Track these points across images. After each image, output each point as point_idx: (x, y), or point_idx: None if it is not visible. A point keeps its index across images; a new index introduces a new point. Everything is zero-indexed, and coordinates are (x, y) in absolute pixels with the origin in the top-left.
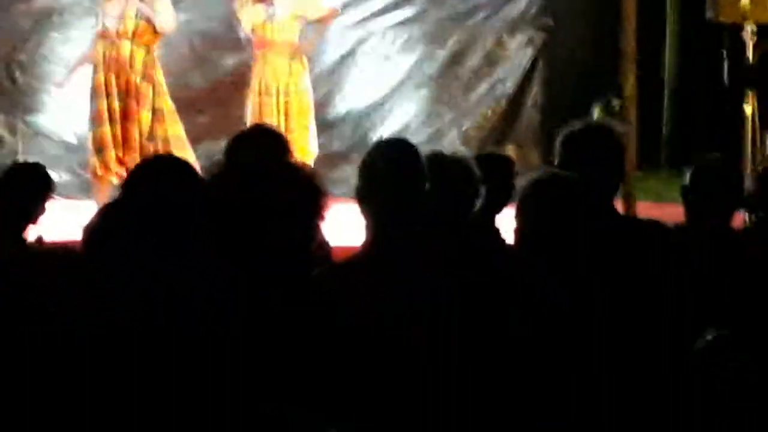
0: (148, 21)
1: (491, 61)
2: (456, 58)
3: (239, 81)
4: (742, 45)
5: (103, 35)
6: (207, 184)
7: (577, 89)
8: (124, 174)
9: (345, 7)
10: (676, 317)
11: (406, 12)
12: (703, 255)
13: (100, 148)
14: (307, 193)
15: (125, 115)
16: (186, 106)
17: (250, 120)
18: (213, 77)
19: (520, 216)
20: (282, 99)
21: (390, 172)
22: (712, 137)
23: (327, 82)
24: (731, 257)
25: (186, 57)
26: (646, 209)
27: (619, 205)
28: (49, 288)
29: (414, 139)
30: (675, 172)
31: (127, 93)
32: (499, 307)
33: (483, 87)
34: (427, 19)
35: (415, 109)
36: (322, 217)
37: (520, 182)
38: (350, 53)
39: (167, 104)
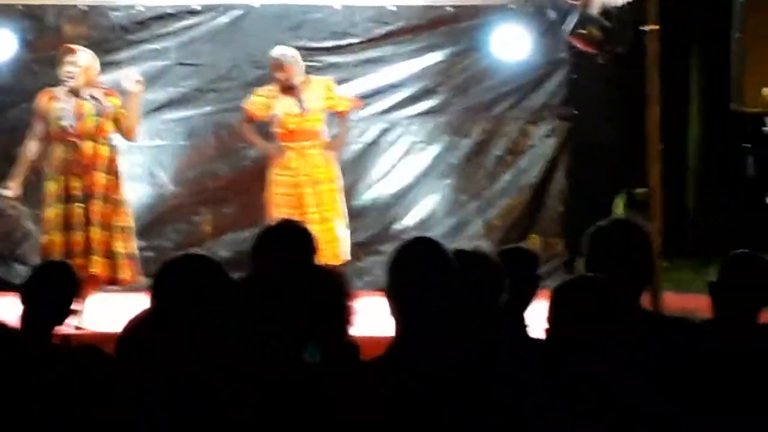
0: (116, 121)
1: (515, 150)
2: (480, 148)
3: (264, 171)
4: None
5: (58, 137)
6: (236, 284)
7: (600, 179)
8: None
9: (371, 96)
10: (706, 415)
11: (431, 102)
12: (731, 351)
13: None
14: (334, 298)
15: (88, 220)
16: (211, 197)
17: (274, 212)
18: (238, 167)
19: (552, 319)
20: (311, 189)
21: (418, 272)
22: (737, 227)
23: (351, 172)
24: (759, 354)
25: (211, 147)
26: (671, 300)
27: (645, 296)
28: (77, 392)
29: (438, 229)
30: (700, 262)
31: (91, 195)
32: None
33: (507, 177)
34: (451, 110)
35: (439, 198)
36: (349, 322)
37: (546, 270)
38: (375, 143)
39: (123, 194)
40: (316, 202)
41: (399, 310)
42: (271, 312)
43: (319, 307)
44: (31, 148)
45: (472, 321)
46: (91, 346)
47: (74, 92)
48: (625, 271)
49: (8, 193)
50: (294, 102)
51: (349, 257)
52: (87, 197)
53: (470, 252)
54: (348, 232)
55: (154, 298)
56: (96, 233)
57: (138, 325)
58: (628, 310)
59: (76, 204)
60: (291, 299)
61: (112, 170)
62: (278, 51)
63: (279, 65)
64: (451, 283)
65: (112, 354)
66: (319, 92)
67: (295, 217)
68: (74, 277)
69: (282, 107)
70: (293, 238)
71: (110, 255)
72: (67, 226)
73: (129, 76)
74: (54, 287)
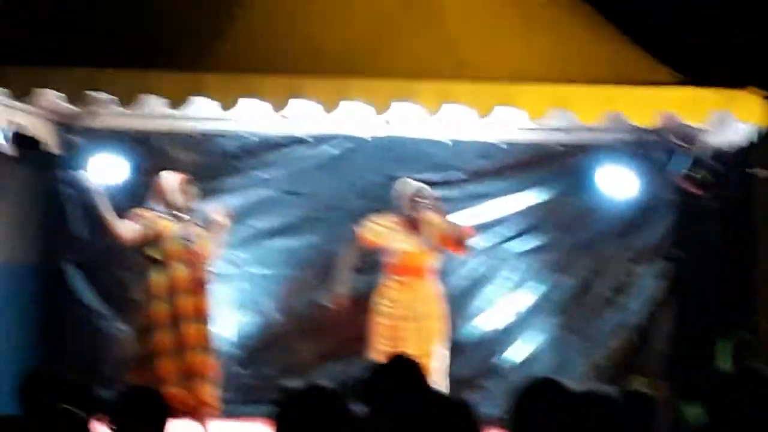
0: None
1: (620, 290)
2: (585, 287)
3: (364, 303)
4: None
5: (176, 256)
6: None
7: (707, 322)
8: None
9: (478, 231)
10: None
11: (537, 239)
12: None
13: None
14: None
15: (198, 344)
16: (314, 326)
17: (380, 344)
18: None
19: None
20: (412, 324)
21: (541, 412)
22: None
23: (456, 306)
24: None
25: (316, 276)
26: None
27: None
28: None
29: (541, 367)
30: None
31: (202, 317)
32: None
33: (612, 317)
34: (556, 247)
35: (542, 337)
36: None
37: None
38: (480, 277)
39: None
40: (416, 337)
41: None
42: None
43: None
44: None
45: None
46: None
47: (187, 217)
48: (753, 419)
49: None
50: (415, 238)
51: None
52: (204, 319)
53: (594, 394)
54: (446, 363)
55: (276, 428)
56: (210, 357)
57: None
58: None
59: (195, 325)
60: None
61: (208, 294)
62: (416, 185)
63: (410, 199)
64: (574, 423)
65: None
66: (433, 229)
67: (391, 349)
68: (161, 403)
69: (400, 241)
70: (406, 371)
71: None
72: (179, 349)
73: (218, 209)
74: (141, 413)
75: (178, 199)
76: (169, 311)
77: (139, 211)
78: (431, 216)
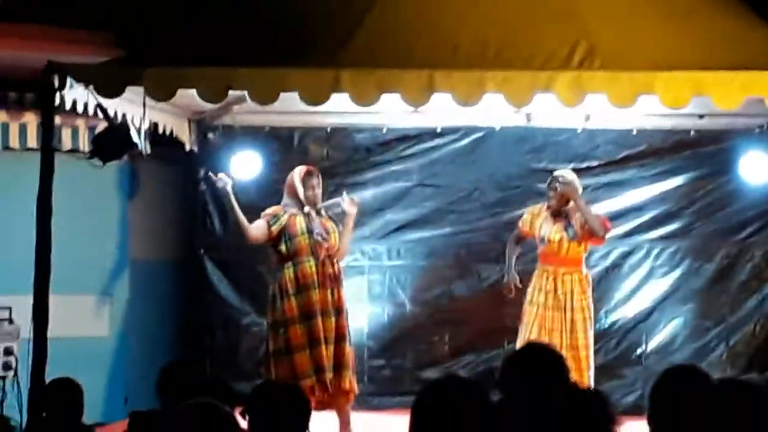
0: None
1: (759, 276)
2: (723, 273)
3: (501, 294)
4: None
5: (308, 251)
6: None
7: None
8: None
9: (612, 219)
10: None
11: (673, 226)
12: None
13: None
14: (597, 420)
15: (339, 335)
16: (449, 317)
17: (527, 332)
18: (477, 288)
19: None
20: (568, 315)
21: (681, 399)
22: None
23: (593, 295)
24: None
25: (451, 267)
26: None
27: None
28: None
29: (679, 354)
30: None
31: (341, 309)
32: None
33: (751, 302)
34: (694, 234)
35: (680, 323)
36: None
37: None
38: (617, 266)
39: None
40: (569, 328)
41: None
42: None
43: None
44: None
45: None
46: None
47: (315, 211)
48: None
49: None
50: (561, 226)
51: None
52: (338, 312)
53: (741, 382)
54: (591, 352)
55: (414, 420)
56: (347, 348)
57: None
58: None
59: (330, 318)
60: (555, 422)
61: (341, 287)
62: (558, 172)
63: (552, 187)
64: (716, 412)
65: None
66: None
67: (542, 339)
68: (301, 399)
69: (548, 229)
70: (544, 360)
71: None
72: (318, 341)
73: (346, 198)
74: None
75: (301, 191)
76: (301, 305)
77: (270, 209)
78: (574, 206)
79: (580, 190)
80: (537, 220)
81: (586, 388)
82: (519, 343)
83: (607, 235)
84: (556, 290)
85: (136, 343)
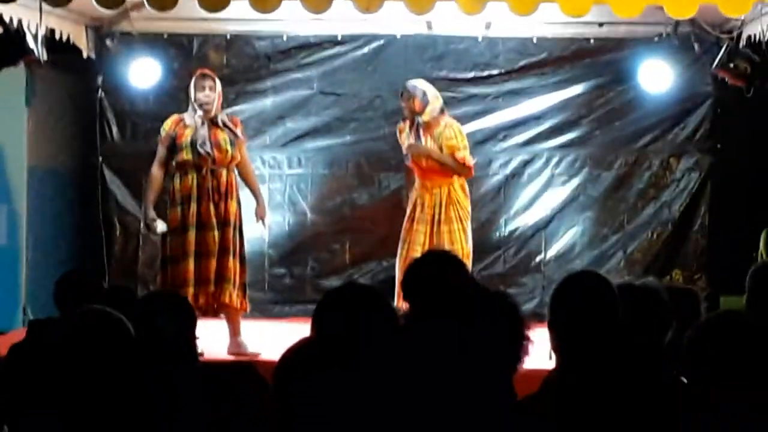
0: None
1: (657, 184)
2: (621, 181)
3: (401, 202)
4: None
5: (192, 163)
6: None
7: (744, 214)
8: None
9: (512, 127)
10: None
11: (572, 134)
12: None
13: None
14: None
15: (222, 248)
16: (350, 225)
17: (400, 245)
18: (378, 197)
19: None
20: (435, 228)
21: (583, 305)
22: None
23: (492, 203)
24: None
25: (352, 176)
26: None
27: None
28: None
29: (578, 262)
30: None
31: (227, 222)
32: None
33: (648, 210)
34: (592, 142)
35: (579, 231)
36: (527, 339)
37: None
38: (516, 174)
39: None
40: (437, 241)
41: (562, 341)
42: (442, 340)
43: (499, 335)
44: (157, 174)
45: (637, 356)
46: (248, 365)
47: (209, 119)
48: None
49: (162, 227)
50: (413, 138)
51: None
52: (223, 225)
53: (639, 287)
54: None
55: (315, 328)
56: (231, 261)
57: (298, 354)
58: None
59: (212, 231)
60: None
61: (238, 199)
62: (410, 82)
63: (405, 96)
64: (616, 317)
65: (266, 379)
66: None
67: (414, 253)
68: (182, 306)
69: (407, 141)
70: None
71: (239, 285)
72: (199, 253)
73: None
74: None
75: (192, 94)
76: (182, 217)
77: (166, 124)
78: (438, 122)
79: (440, 102)
80: (403, 135)
81: (496, 291)
82: (398, 259)
83: (504, 144)
84: (423, 204)
85: (34, 252)
